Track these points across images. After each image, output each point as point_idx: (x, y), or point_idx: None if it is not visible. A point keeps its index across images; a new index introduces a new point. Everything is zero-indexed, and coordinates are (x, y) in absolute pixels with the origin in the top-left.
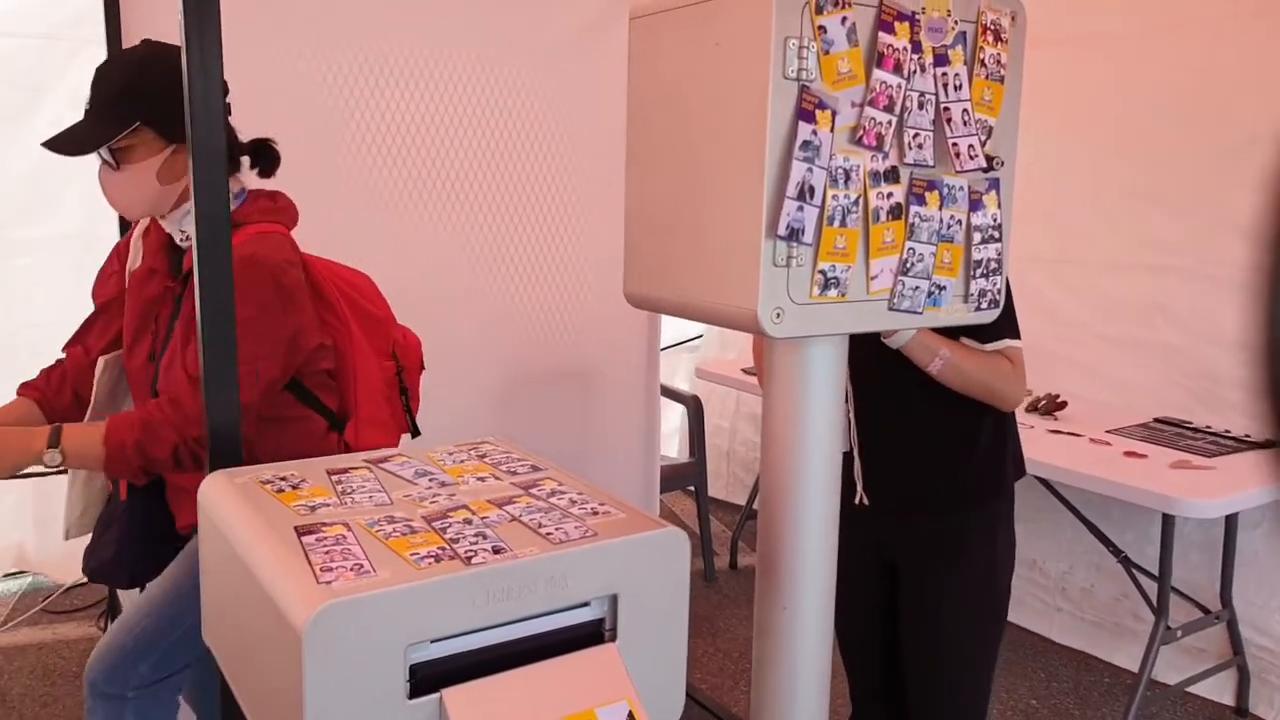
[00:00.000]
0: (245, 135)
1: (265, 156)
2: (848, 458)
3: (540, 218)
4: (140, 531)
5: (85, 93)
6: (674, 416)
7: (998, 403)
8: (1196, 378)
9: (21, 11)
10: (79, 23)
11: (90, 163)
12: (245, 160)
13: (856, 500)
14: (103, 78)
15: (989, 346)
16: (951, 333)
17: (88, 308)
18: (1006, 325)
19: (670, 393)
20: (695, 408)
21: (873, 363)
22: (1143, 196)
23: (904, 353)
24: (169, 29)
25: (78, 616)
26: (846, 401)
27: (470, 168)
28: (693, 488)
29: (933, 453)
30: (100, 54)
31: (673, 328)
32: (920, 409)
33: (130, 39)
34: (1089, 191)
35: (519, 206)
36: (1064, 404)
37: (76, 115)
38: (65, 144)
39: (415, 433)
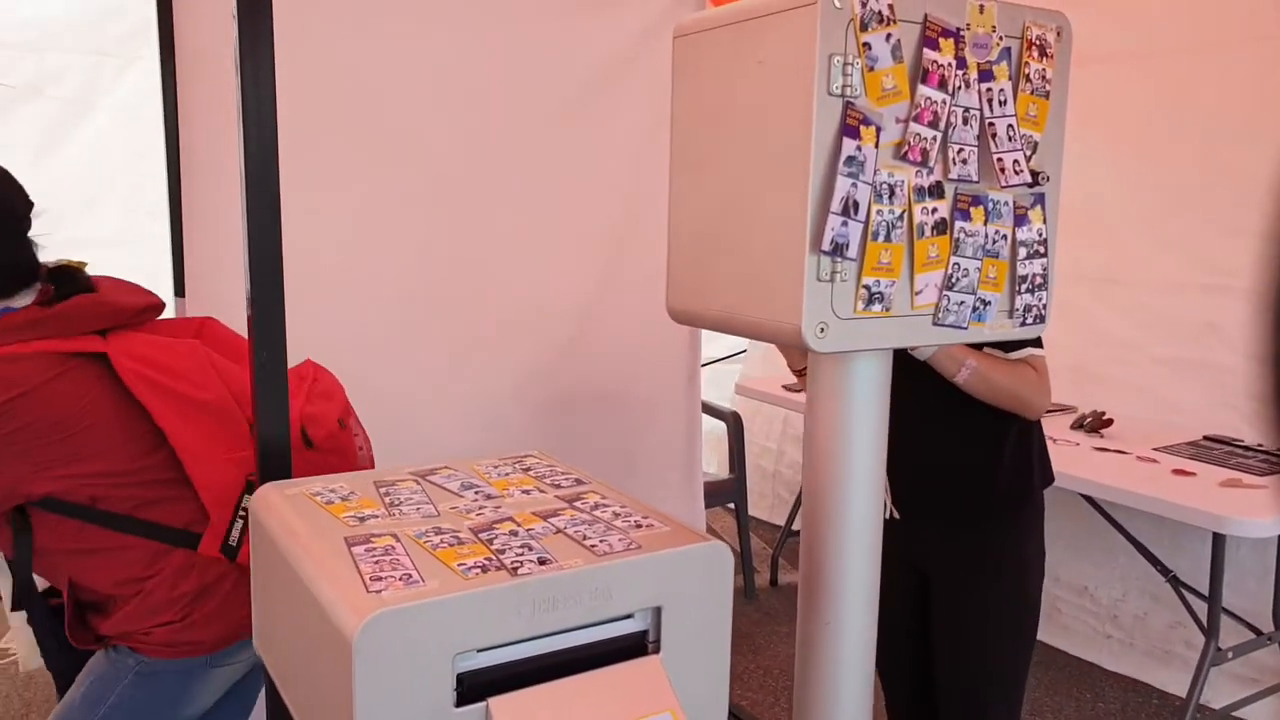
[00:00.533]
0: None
1: (68, 282)
2: None
3: (583, 235)
4: (54, 642)
5: (136, 107)
6: (714, 433)
7: (1024, 410)
8: (1246, 398)
9: (75, 27)
10: (131, 39)
11: (128, 174)
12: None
13: (886, 514)
14: None
15: (1014, 355)
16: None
17: None
18: None
19: (710, 409)
20: (735, 424)
21: (897, 375)
22: (1196, 214)
23: (930, 363)
24: (222, 45)
25: None
26: None
27: (514, 188)
28: (732, 504)
29: (959, 464)
30: (153, 69)
31: (712, 344)
32: (945, 420)
33: (184, 55)
34: (1139, 209)
35: (561, 225)
36: (1110, 421)
37: (124, 130)
38: None
39: None
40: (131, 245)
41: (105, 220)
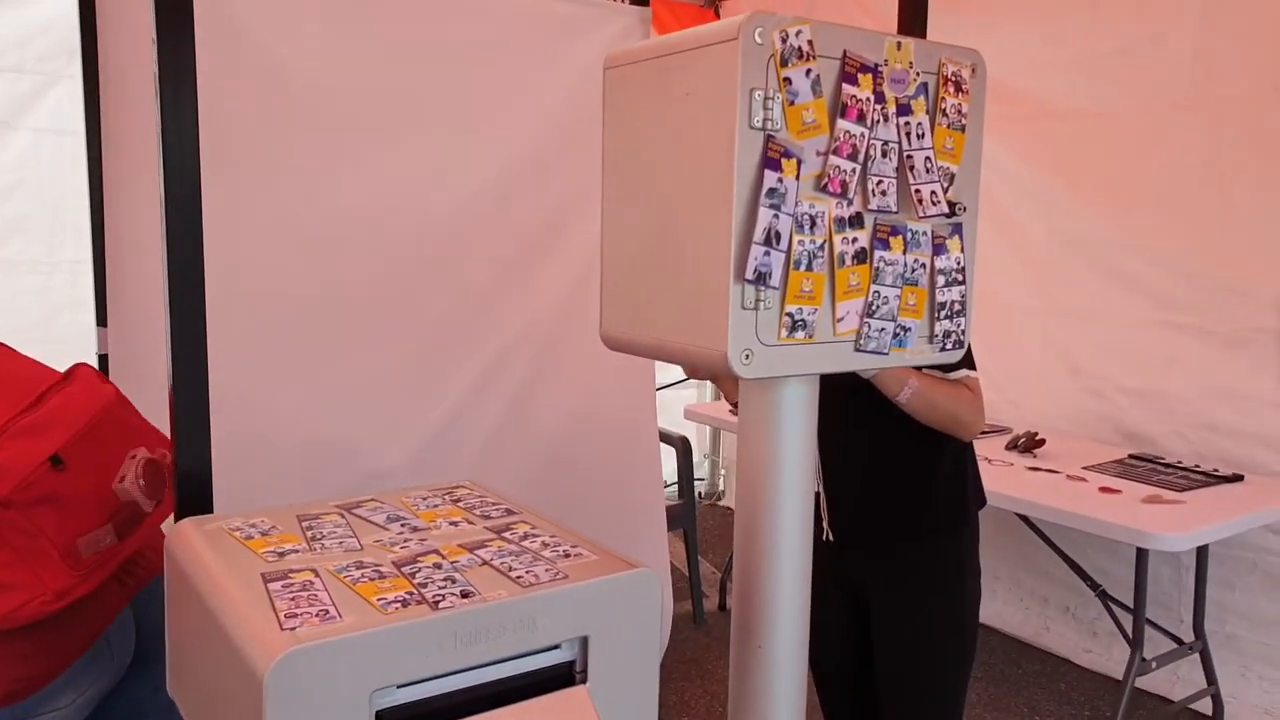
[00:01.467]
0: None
1: None
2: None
3: (546, 261)
4: None
5: (60, 125)
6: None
7: (960, 431)
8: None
9: None
10: (53, 57)
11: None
12: None
13: (823, 537)
14: None
15: (951, 375)
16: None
17: (45, 338)
18: (965, 356)
19: (660, 434)
20: (684, 449)
21: (832, 398)
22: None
23: (874, 382)
24: (144, 63)
25: None
26: None
27: (476, 214)
28: (682, 529)
29: (895, 485)
30: (75, 89)
31: (662, 369)
32: (881, 442)
33: (107, 73)
34: (1076, 248)
35: (525, 249)
36: (1042, 441)
37: (46, 149)
38: None
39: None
40: (55, 272)
41: (31, 243)
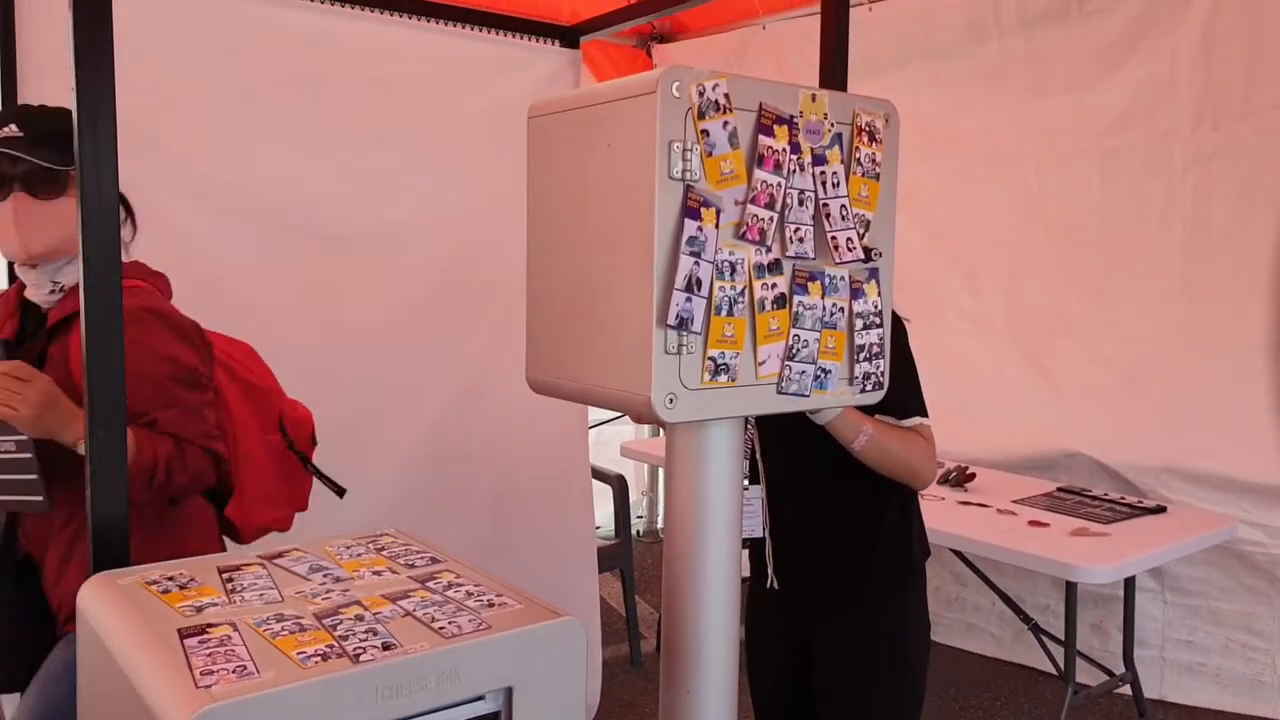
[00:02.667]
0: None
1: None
2: (760, 541)
3: (473, 298)
4: (10, 633)
5: None
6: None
7: (913, 480)
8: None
9: None
10: None
11: None
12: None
13: (768, 584)
14: (48, 116)
15: (906, 423)
16: (869, 410)
17: None
18: (917, 403)
19: (595, 472)
20: (620, 487)
21: (781, 445)
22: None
23: (829, 429)
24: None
25: None
26: (759, 484)
27: (404, 249)
28: (619, 569)
29: (840, 533)
30: None
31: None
32: (828, 489)
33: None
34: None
35: (453, 287)
36: (973, 475)
37: None
38: (40, 151)
39: (340, 492)
40: None
41: None
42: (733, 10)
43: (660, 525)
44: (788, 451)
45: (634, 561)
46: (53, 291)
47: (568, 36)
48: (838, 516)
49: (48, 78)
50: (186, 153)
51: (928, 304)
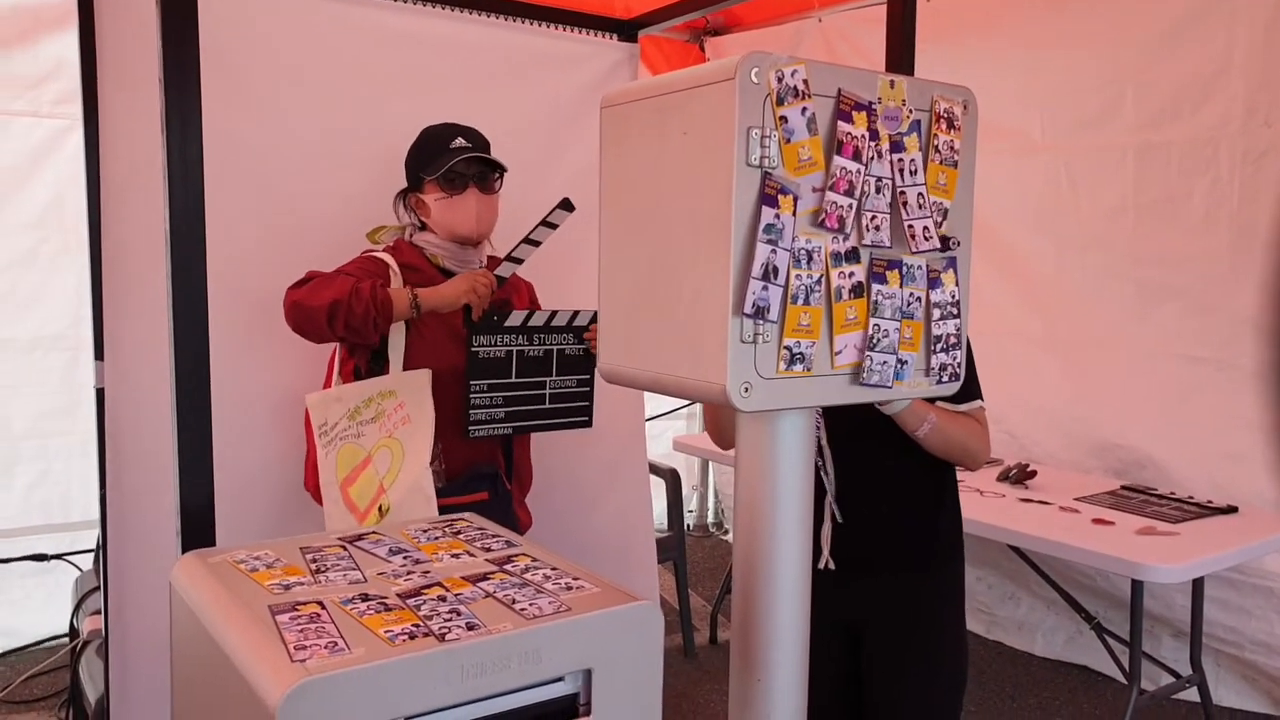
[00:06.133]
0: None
1: None
2: (817, 522)
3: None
4: None
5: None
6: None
7: (968, 462)
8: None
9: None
10: (66, 101)
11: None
12: None
13: (821, 565)
14: (480, 134)
15: (962, 407)
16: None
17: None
18: (974, 388)
19: (649, 466)
20: (674, 481)
21: (845, 426)
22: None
23: (896, 419)
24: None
25: (37, 707)
26: (827, 473)
27: None
28: (672, 561)
29: (902, 516)
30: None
31: (650, 400)
32: (892, 475)
33: (108, 120)
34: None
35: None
36: (1034, 473)
37: (67, 199)
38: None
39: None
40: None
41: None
42: (788, 3)
43: (711, 519)
44: (851, 433)
45: (686, 554)
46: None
47: (626, 30)
48: (898, 498)
49: (126, 66)
50: (260, 148)
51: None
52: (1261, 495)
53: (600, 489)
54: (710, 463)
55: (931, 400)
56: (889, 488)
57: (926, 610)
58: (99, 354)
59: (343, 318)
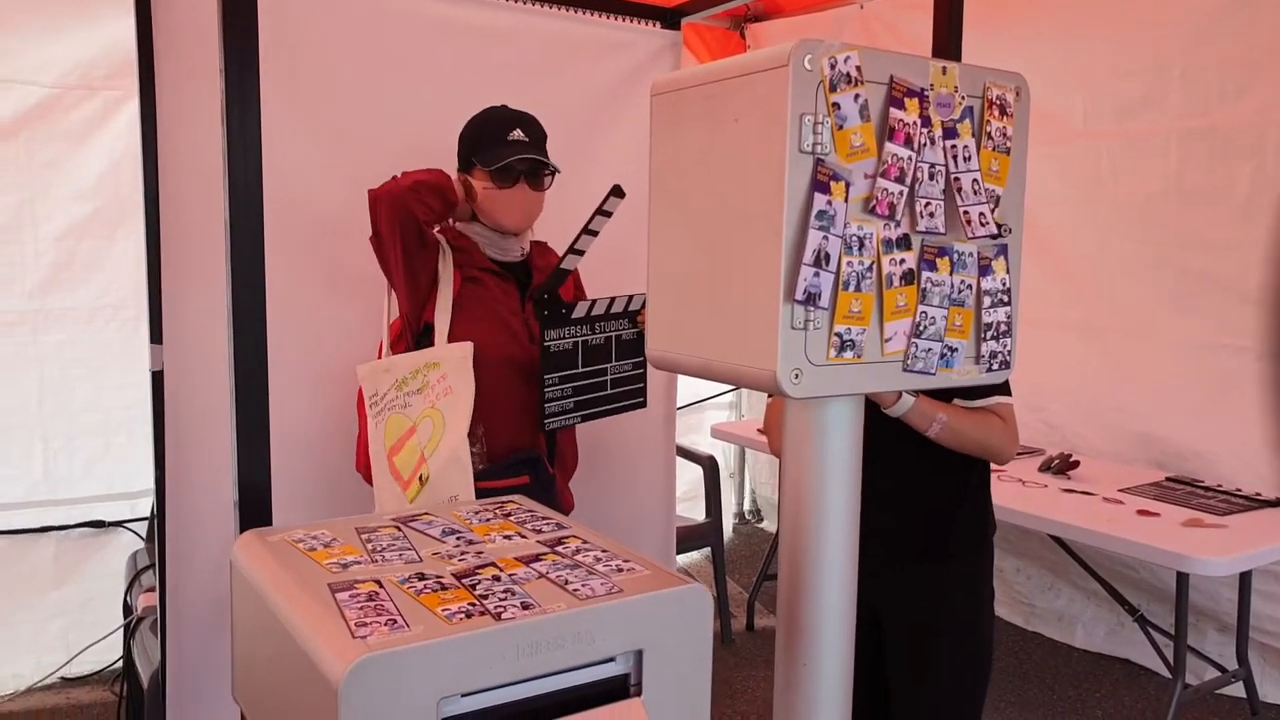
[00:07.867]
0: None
1: None
2: None
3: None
4: None
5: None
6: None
7: (992, 458)
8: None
9: (51, 62)
10: (120, 75)
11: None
12: None
13: None
14: (538, 125)
15: (977, 403)
16: (944, 395)
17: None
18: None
19: (687, 453)
20: (712, 468)
21: (865, 425)
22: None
23: (904, 420)
24: (201, 84)
25: (92, 681)
26: None
27: None
28: (710, 548)
29: (921, 509)
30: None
31: (687, 387)
32: (912, 467)
33: (164, 95)
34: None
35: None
36: (1076, 463)
37: (123, 168)
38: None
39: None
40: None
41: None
42: None
43: (748, 507)
44: (873, 423)
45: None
46: (523, 253)
47: (669, 18)
48: (917, 490)
49: (183, 57)
50: (315, 133)
51: None
52: None
53: (628, 473)
54: (747, 451)
55: (949, 398)
56: (905, 483)
57: (943, 608)
58: (155, 337)
59: (385, 197)
